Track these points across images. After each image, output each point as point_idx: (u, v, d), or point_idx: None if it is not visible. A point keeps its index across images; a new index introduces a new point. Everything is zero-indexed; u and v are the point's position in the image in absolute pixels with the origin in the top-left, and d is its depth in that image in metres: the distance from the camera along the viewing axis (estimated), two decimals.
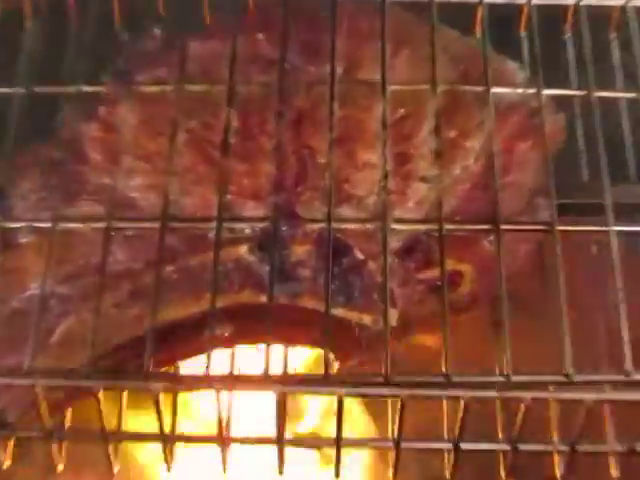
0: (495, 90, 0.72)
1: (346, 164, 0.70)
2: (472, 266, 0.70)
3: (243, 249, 0.68)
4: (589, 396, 0.60)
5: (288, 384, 0.61)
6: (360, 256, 0.69)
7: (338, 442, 0.62)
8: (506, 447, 0.65)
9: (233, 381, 0.61)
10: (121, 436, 0.70)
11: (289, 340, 0.67)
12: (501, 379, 0.61)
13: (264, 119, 0.72)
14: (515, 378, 0.62)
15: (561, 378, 0.62)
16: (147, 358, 0.60)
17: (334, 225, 0.64)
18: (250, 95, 0.72)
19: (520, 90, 0.73)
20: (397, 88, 0.72)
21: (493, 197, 0.66)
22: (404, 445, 0.63)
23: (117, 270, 0.67)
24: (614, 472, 0.68)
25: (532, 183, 0.71)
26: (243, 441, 0.66)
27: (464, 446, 0.63)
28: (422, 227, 0.67)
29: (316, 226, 0.66)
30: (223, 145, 0.68)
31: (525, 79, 0.77)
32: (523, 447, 0.64)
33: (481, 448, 0.66)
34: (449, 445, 0.64)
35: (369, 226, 0.66)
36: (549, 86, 0.73)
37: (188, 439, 0.68)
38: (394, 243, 0.69)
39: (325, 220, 0.64)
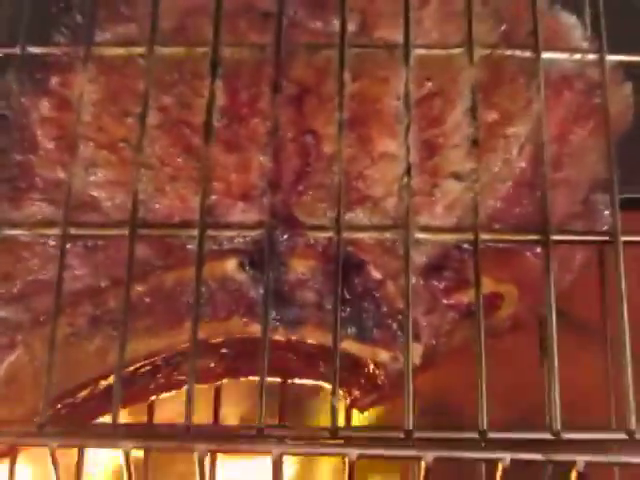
0: (546, 55, 0.61)
1: (359, 155, 0.60)
2: (515, 285, 0.57)
3: (231, 265, 0.58)
4: None
5: (286, 442, 0.49)
6: (376, 275, 0.58)
7: None
8: None
9: (220, 439, 0.49)
10: None
11: (289, 375, 0.55)
12: (548, 436, 0.52)
13: (257, 94, 0.61)
14: (567, 435, 0.50)
15: (623, 435, 0.50)
16: (115, 406, 0.51)
17: (344, 235, 0.54)
18: (239, 61, 0.62)
19: (578, 56, 0.62)
20: (424, 53, 0.61)
21: (542, 199, 0.56)
22: None
23: (75, 289, 0.55)
24: None
25: (590, 177, 0.57)
26: None
27: None
28: (453, 237, 0.56)
29: (322, 235, 0.56)
30: (205, 129, 0.54)
31: (585, 39, 0.65)
32: None
33: None
34: None
35: (388, 235, 0.55)
36: (614, 51, 0.61)
37: None
38: (418, 258, 0.58)
39: (333, 228, 0.54)
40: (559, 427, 0.51)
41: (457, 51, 0.60)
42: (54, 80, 0.61)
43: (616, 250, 0.55)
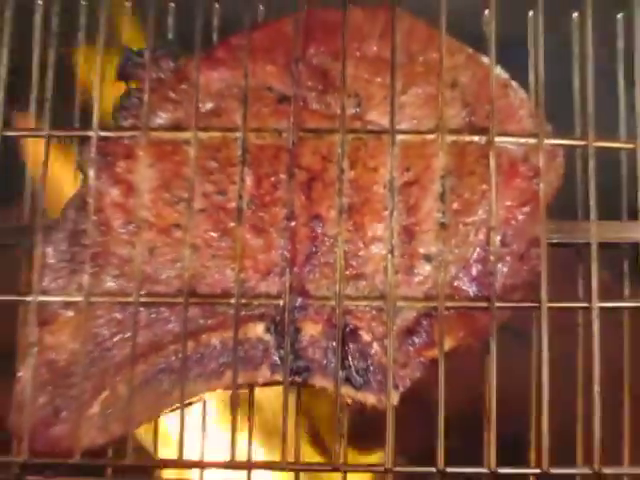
0: (499, 139, 0.78)
1: (354, 237, 0.78)
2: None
3: (260, 328, 0.77)
4: None
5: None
6: (366, 338, 0.77)
7: None
8: None
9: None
10: None
11: None
12: None
13: (276, 181, 0.78)
14: None
15: None
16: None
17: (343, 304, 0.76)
18: (262, 147, 0.79)
19: (523, 140, 0.79)
20: (405, 138, 0.78)
21: (489, 274, 0.76)
22: None
23: (144, 345, 0.77)
24: None
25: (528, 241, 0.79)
26: None
27: None
28: (424, 305, 0.77)
29: (327, 304, 0.77)
30: (238, 214, 0.76)
31: (530, 112, 0.82)
32: None
33: None
34: None
35: (376, 303, 0.76)
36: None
37: None
38: (398, 322, 0.77)
39: (335, 299, 0.75)
40: None
41: (431, 137, 0.77)
42: (120, 167, 0.78)
43: (541, 315, 0.75)
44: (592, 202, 0.77)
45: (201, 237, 0.78)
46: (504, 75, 0.82)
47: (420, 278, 0.77)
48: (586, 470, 0.77)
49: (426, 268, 0.77)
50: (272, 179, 0.78)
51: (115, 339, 0.77)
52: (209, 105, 0.80)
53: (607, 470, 0.76)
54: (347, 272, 0.76)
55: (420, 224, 0.77)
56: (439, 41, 0.78)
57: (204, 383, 0.77)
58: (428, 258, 0.77)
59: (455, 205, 0.78)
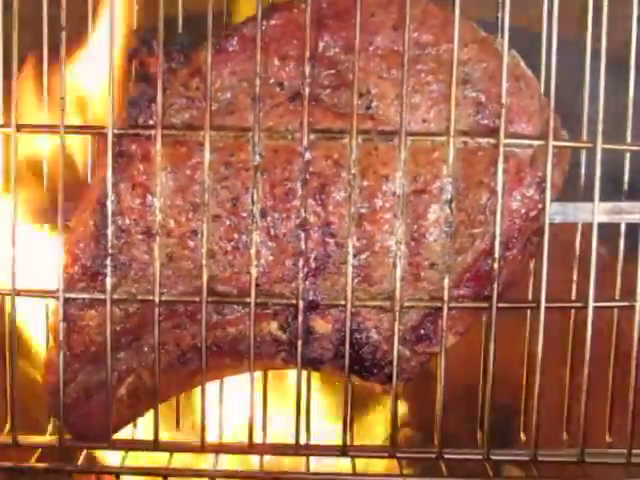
0: (507, 141, 0.81)
1: (364, 247, 0.81)
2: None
3: (274, 325, 0.83)
4: None
5: None
6: (374, 335, 0.83)
7: None
8: None
9: None
10: None
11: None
12: None
13: (289, 187, 0.81)
14: None
15: None
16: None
17: (352, 309, 0.81)
18: (275, 149, 0.81)
19: (529, 142, 0.82)
20: (415, 140, 0.81)
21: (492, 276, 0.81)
22: None
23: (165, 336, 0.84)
24: None
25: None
26: None
27: None
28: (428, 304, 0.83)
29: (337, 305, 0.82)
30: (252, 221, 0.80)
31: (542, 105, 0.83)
32: None
33: None
34: None
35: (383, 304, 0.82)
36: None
37: None
38: (404, 322, 0.83)
39: (344, 305, 0.81)
40: None
41: (441, 139, 0.79)
42: (137, 172, 0.79)
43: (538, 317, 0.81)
44: (596, 203, 0.81)
45: (217, 244, 0.81)
46: (518, 66, 0.82)
47: (425, 282, 0.81)
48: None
49: (431, 273, 0.81)
50: (285, 185, 0.80)
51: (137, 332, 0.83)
52: (222, 100, 0.81)
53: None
54: (357, 277, 0.80)
55: (427, 232, 0.80)
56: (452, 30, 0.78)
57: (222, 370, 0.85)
58: (434, 265, 0.81)
59: (462, 215, 0.80)
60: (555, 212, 0.85)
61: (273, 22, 0.81)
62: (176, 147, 0.80)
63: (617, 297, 0.88)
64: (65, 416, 0.84)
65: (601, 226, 0.83)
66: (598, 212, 0.82)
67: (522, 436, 0.94)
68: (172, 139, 0.80)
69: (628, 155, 0.87)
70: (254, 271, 0.79)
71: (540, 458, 0.86)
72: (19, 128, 0.82)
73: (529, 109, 0.82)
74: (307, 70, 0.78)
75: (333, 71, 0.82)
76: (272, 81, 0.81)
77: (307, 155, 0.79)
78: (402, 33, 0.79)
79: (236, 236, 0.80)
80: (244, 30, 0.82)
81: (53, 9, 0.81)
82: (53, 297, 0.82)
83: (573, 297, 0.89)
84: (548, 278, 0.80)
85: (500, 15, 0.83)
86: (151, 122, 0.80)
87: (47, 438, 0.92)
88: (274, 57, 0.81)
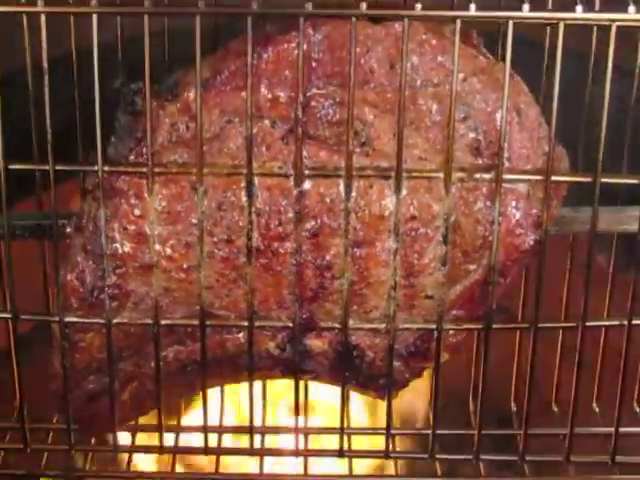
0: (506, 177, 0.80)
1: (359, 280, 0.82)
2: None
3: (272, 345, 0.86)
4: None
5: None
6: (369, 354, 0.86)
7: None
8: None
9: None
10: None
11: None
12: None
13: (283, 232, 0.80)
14: None
15: None
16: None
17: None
18: (269, 187, 0.80)
19: (528, 178, 0.81)
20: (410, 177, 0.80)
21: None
22: None
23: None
24: None
25: None
26: None
27: None
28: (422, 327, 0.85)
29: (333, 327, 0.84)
30: (248, 257, 0.80)
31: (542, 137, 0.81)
32: None
33: None
34: None
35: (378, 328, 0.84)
36: None
37: None
38: (398, 343, 0.85)
39: (341, 329, 0.83)
40: None
41: (437, 175, 0.78)
42: (128, 208, 0.78)
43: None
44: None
45: (214, 278, 0.81)
46: (520, 94, 0.79)
47: (420, 309, 0.83)
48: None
49: (426, 302, 0.82)
50: (280, 229, 0.79)
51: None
52: (213, 138, 0.78)
53: None
54: (351, 309, 0.81)
55: (422, 268, 0.81)
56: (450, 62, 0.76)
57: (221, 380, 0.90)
58: (428, 296, 0.82)
59: (457, 250, 0.80)
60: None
61: (265, 57, 0.77)
62: (168, 185, 0.79)
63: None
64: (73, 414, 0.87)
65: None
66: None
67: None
68: (164, 177, 0.78)
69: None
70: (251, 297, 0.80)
71: (528, 458, 0.91)
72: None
73: (528, 144, 0.80)
74: (299, 112, 0.74)
75: (328, 107, 0.79)
76: (265, 120, 0.79)
77: (301, 192, 0.78)
78: (399, 68, 0.74)
79: (232, 272, 0.81)
80: (231, 65, 0.78)
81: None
82: (54, 322, 0.83)
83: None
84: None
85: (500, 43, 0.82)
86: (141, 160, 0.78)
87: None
88: (265, 93, 0.78)
